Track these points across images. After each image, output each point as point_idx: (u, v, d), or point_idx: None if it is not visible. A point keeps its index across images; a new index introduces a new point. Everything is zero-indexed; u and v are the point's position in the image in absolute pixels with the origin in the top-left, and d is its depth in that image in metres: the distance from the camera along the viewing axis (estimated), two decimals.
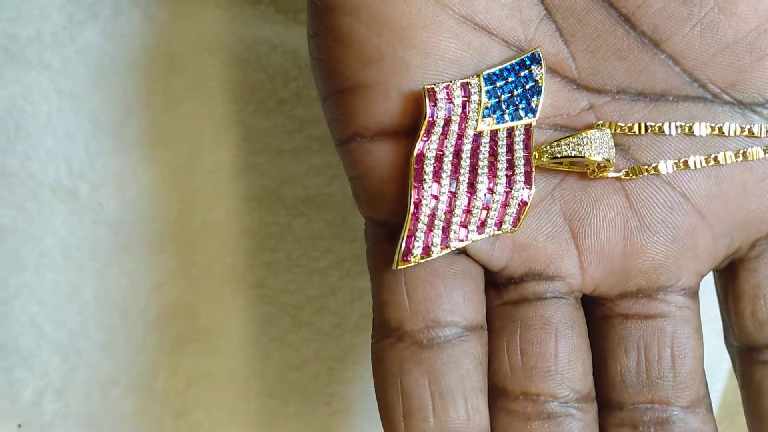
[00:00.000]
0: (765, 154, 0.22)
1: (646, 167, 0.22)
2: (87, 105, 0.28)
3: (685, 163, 0.22)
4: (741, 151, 0.22)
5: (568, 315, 0.22)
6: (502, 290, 0.23)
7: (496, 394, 0.22)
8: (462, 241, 0.21)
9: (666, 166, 0.22)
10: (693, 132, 0.22)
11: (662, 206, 0.22)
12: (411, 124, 0.21)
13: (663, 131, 0.22)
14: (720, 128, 0.22)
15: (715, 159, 0.22)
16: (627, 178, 0.22)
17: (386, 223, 0.22)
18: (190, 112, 0.29)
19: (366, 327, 0.30)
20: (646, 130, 0.22)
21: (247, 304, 0.30)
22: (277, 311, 0.30)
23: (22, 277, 0.29)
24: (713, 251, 0.23)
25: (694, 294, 0.23)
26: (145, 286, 0.29)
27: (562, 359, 0.22)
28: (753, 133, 0.22)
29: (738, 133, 0.22)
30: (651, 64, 0.22)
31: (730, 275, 0.24)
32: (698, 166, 0.22)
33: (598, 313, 0.23)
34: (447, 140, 0.21)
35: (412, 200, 0.21)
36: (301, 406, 0.30)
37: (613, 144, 0.22)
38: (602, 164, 0.22)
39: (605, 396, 0.23)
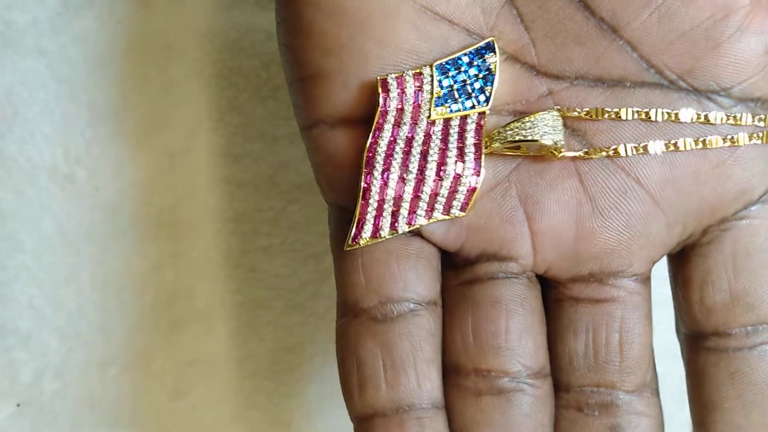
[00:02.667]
0: (724, 143, 0.23)
1: (605, 148, 0.23)
2: (84, 91, 0.29)
3: (645, 147, 0.23)
4: (701, 139, 0.23)
5: (519, 294, 0.23)
6: (459, 271, 0.23)
7: (450, 371, 0.23)
8: (410, 224, 0.22)
9: (625, 150, 0.23)
10: (650, 117, 0.22)
11: (616, 191, 0.23)
12: (370, 114, 0.22)
13: (620, 116, 0.22)
14: (677, 114, 0.22)
15: (675, 145, 0.23)
16: (586, 157, 0.23)
17: (346, 208, 0.23)
18: (186, 99, 0.29)
19: None
20: (603, 115, 0.22)
21: (243, 287, 0.30)
22: (271, 295, 0.30)
23: (20, 260, 0.29)
24: (666, 238, 0.23)
25: (645, 280, 0.23)
26: (142, 269, 0.30)
27: (512, 336, 0.22)
28: (709, 121, 0.22)
29: (695, 120, 0.22)
30: (609, 50, 0.22)
31: (680, 261, 0.24)
32: (658, 152, 0.23)
33: (550, 296, 0.24)
34: (399, 129, 0.22)
35: (362, 186, 0.22)
36: (295, 387, 0.31)
37: (561, 126, 0.22)
38: (551, 148, 0.22)
39: (554, 378, 0.23)
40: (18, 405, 0.30)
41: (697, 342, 0.23)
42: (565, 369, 0.23)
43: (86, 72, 0.28)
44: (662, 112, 0.22)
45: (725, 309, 0.23)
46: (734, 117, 0.23)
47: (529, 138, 0.22)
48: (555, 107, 0.22)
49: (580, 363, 0.23)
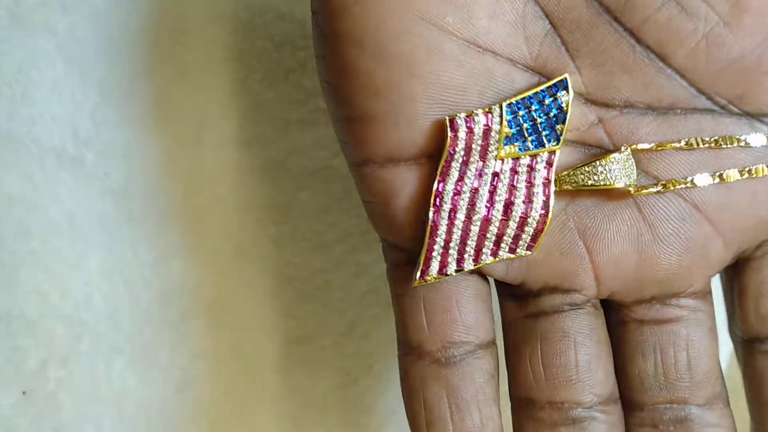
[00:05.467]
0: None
1: (681, 181, 0.23)
2: (94, 72, 0.28)
3: (721, 176, 0.23)
4: (746, 169, 0.23)
5: (586, 324, 0.23)
6: (522, 303, 0.24)
7: (523, 404, 0.24)
8: (476, 262, 0.23)
9: (702, 180, 0.23)
10: (720, 146, 0.22)
11: (675, 218, 0.23)
12: (420, 154, 0.22)
13: (691, 145, 0.22)
14: (746, 141, 0.23)
15: (749, 172, 0.23)
16: (662, 191, 0.23)
17: (400, 246, 0.23)
18: (196, 82, 0.28)
19: (371, 301, 0.30)
20: (670, 146, 0.22)
21: (252, 277, 0.29)
22: (281, 285, 0.30)
23: (27, 245, 0.29)
24: (724, 256, 0.23)
25: (705, 295, 0.24)
26: (151, 258, 0.29)
27: (582, 368, 0.23)
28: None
29: (764, 144, 0.23)
30: (658, 78, 0.22)
31: (735, 272, 0.24)
32: (732, 178, 0.23)
33: (614, 319, 0.24)
34: (468, 168, 0.22)
35: (430, 225, 0.22)
36: (305, 380, 0.30)
37: (634, 166, 0.22)
38: (624, 190, 0.22)
39: (626, 397, 0.24)
40: (23, 393, 0.29)
41: (753, 345, 0.24)
42: (637, 389, 0.24)
43: (96, 53, 0.28)
44: (731, 139, 0.22)
45: None
46: None
47: (602, 184, 0.22)
48: (626, 145, 0.22)
49: (652, 382, 0.24)
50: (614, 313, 0.24)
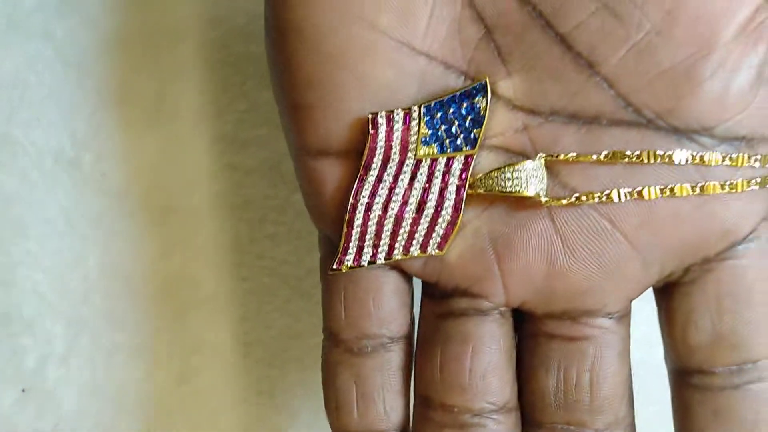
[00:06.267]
0: (722, 189, 0.22)
1: (596, 194, 0.22)
2: (91, 75, 0.28)
3: (639, 192, 0.22)
4: (699, 185, 0.22)
5: (488, 331, 0.23)
6: (436, 303, 0.24)
7: (421, 402, 0.24)
8: (388, 257, 0.23)
9: (619, 195, 0.22)
10: (642, 161, 0.22)
11: (587, 232, 0.22)
12: (348, 148, 0.22)
13: (611, 160, 0.22)
14: (670, 156, 0.22)
15: (671, 190, 0.22)
16: (576, 203, 0.22)
17: (331, 237, 0.24)
18: (192, 83, 0.29)
19: None
20: (589, 159, 0.22)
21: (249, 274, 0.30)
22: (278, 282, 0.30)
23: (25, 245, 0.29)
24: (643, 277, 0.23)
25: (621, 318, 0.23)
26: (149, 255, 0.30)
27: (476, 375, 0.23)
28: (704, 162, 0.22)
29: (689, 161, 0.22)
30: (586, 86, 0.21)
31: (664, 298, 0.23)
32: (653, 197, 0.22)
33: (527, 329, 0.24)
34: (388, 165, 0.22)
35: (347, 217, 0.23)
36: (301, 374, 0.31)
37: (545, 175, 0.22)
38: (533, 197, 0.22)
39: (526, 412, 0.24)
40: (23, 390, 0.30)
41: (682, 377, 0.23)
42: (537, 405, 0.23)
43: (93, 56, 0.28)
44: (654, 155, 0.22)
45: (709, 348, 0.23)
46: (730, 158, 0.21)
47: (510, 190, 0.22)
48: (541, 154, 0.22)
49: (551, 400, 0.23)
50: (527, 325, 0.24)
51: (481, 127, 0.22)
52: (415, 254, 0.23)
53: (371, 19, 0.21)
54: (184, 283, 0.30)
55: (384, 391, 0.24)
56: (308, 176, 0.23)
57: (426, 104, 0.22)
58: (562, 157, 0.22)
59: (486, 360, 0.23)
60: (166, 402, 0.30)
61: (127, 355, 0.30)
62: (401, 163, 0.22)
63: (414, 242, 0.23)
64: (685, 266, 0.23)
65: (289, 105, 0.22)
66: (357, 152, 0.22)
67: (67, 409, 0.30)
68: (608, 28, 0.21)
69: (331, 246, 0.24)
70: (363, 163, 0.22)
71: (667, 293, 0.23)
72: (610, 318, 0.23)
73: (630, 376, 0.24)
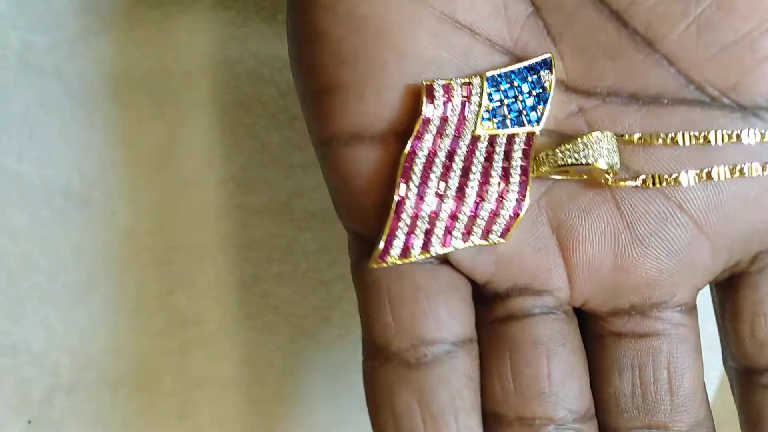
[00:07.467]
0: (764, 171, 0.21)
1: (664, 177, 0.21)
2: (101, 114, 0.29)
3: (708, 174, 0.21)
4: (738, 168, 0.21)
5: (559, 331, 0.21)
6: (490, 306, 0.22)
7: (491, 420, 0.21)
8: (444, 246, 0.20)
9: (688, 178, 0.21)
10: (709, 141, 0.20)
11: (656, 217, 0.21)
12: (388, 129, 0.20)
13: (676, 142, 0.21)
14: (738, 136, 0.21)
15: (741, 171, 0.21)
16: (644, 186, 0.21)
17: (367, 236, 0.21)
18: (202, 124, 0.29)
19: None
20: (657, 140, 0.21)
21: (253, 313, 0.30)
22: (282, 320, 0.30)
23: (33, 280, 0.30)
24: (711, 265, 0.21)
25: (690, 309, 0.22)
26: (155, 292, 0.30)
27: (555, 380, 0.21)
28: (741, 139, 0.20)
29: (757, 141, 0.20)
30: (644, 64, 0.20)
31: (728, 290, 0.22)
32: (721, 177, 0.21)
33: (590, 331, 0.22)
34: (441, 141, 0.20)
35: (396, 198, 0.20)
36: (303, 412, 0.31)
37: (616, 148, 0.21)
38: (606, 171, 0.20)
39: (600, 421, 0.22)
40: (29, 422, 0.30)
41: (750, 378, 0.22)
42: (612, 411, 0.22)
43: (103, 95, 0.29)
44: (724, 134, 0.20)
45: None
46: None
47: (583, 162, 0.20)
48: (607, 132, 0.21)
49: (628, 404, 0.21)
50: (589, 326, 0.22)
51: (546, 103, 0.20)
52: (476, 243, 0.20)
53: None
54: (189, 320, 0.30)
55: (455, 408, 0.20)
56: (339, 167, 0.21)
57: (489, 75, 0.20)
58: (626, 137, 0.21)
59: (564, 362, 0.21)
60: None
61: (131, 389, 0.30)
62: (456, 139, 0.20)
63: (475, 228, 0.20)
64: (753, 253, 0.21)
65: (318, 88, 0.20)
66: (396, 134, 0.20)
67: None
68: (665, 3, 0.20)
69: (366, 245, 0.21)
70: (414, 135, 0.20)
71: (732, 286, 0.22)
72: (680, 310, 0.21)
73: (703, 375, 0.22)
